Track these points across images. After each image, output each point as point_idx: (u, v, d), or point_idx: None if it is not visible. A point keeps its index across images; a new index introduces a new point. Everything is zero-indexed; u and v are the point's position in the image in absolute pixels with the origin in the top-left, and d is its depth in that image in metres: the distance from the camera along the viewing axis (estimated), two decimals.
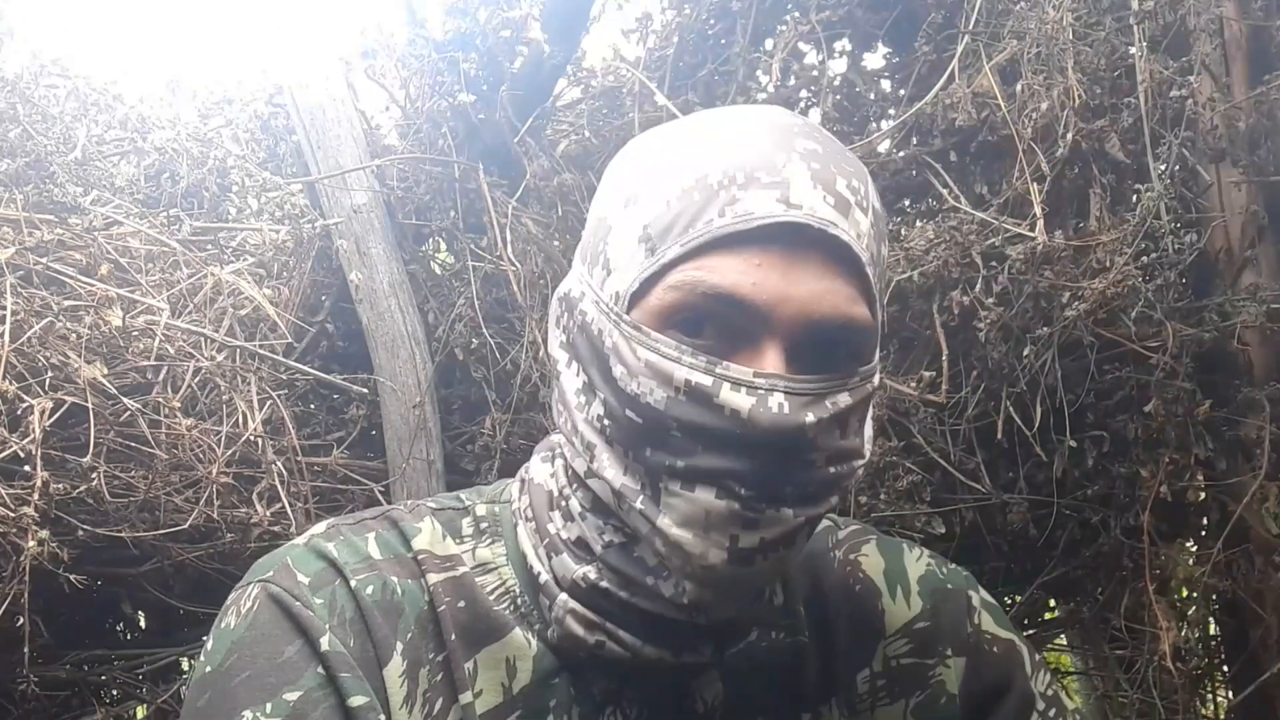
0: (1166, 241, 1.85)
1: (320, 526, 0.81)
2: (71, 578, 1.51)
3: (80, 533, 1.57)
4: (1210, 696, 2.07)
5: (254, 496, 1.70)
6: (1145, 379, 1.86)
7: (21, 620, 1.46)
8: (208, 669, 0.74)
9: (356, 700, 0.72)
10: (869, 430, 0.77)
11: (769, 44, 2.13)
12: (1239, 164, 1.91)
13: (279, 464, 1.71)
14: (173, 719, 1.82)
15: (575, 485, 0.78)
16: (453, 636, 0.76)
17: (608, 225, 0.76)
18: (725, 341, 0.70)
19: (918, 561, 0.90)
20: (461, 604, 0.78)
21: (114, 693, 1.87)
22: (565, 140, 2.12)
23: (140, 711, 1.87)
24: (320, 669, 0.72)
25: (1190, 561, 1.92)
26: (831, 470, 0.72)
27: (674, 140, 0.76)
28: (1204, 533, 2.02)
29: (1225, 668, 2.06)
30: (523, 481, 0.84)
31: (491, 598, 0.78)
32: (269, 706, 0.70)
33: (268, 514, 1.67)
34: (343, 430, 1.92)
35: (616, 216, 0.75)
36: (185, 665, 1.94)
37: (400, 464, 1.83)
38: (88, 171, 1.91)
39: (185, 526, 1.63)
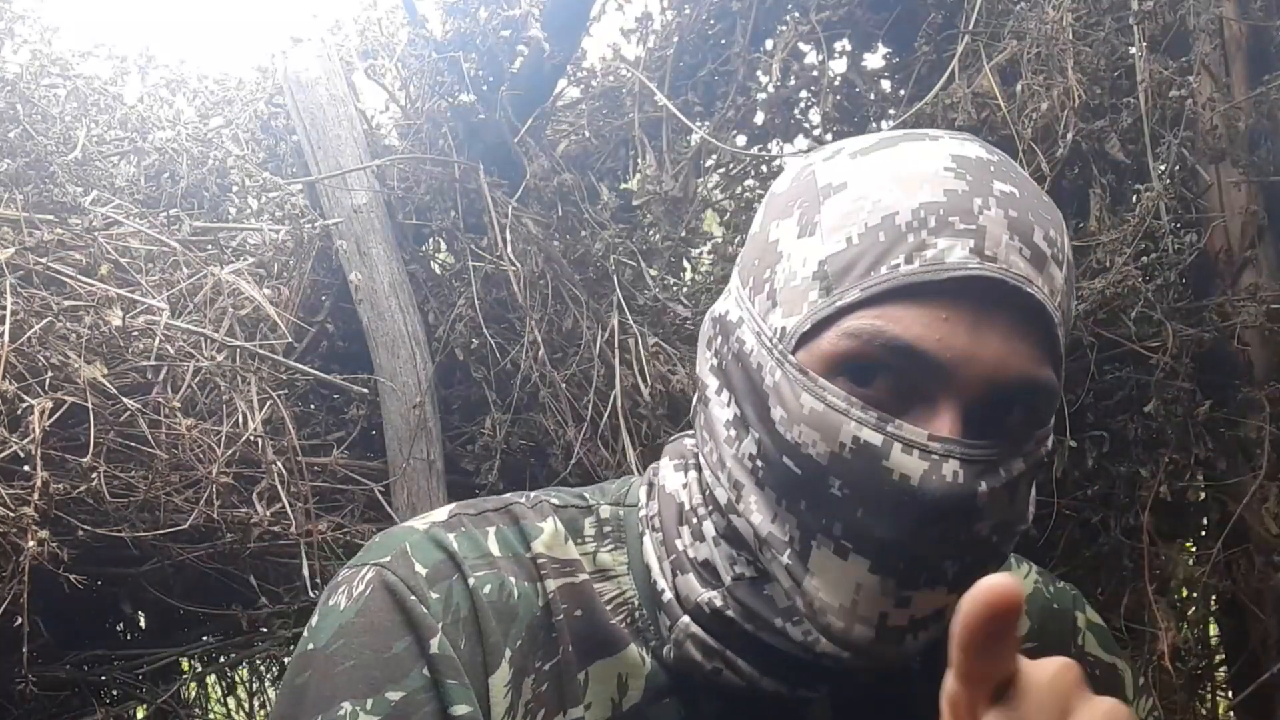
0: (1166, 241, 1.85)
1: (441, 513, 0.77)
2: (71, 578, 1.51)
3: (80, 533, 1.57)
4: (1210, 697, 2.07)
5: (254, 496, 1.70)
6: (1145, 379, 1.86)
7: (21, 620, 1.46)
8: (310, 646, 0.71)
9: (460, 710, 0.68)
10: (1033, 493, 0.72)
11: (769, 44, 2.13)
12: (1239, 164, 1.91)
13: (279, 464, 1.71)
14: (172, 719, 1.82)
15: (712, 508, 0.74)
16: (569, 647, 0.73)
17: (777, 253, 0.70)
18: (898, 397, 0.65)
19: (1026, 578, 0.86)
20: (579, 613, 0.74)
21: (114, 693, 1.87)
22: (565, 140, 2.12)
23: (140, 711, 1.87)
24: (426, 670, 0.69)
25: (1190, 562, 1.92)
26: (995, 539, 0.67)
27: (859, 168, 0.69)
28: (1204, 533, 2.02)
29: (1225, 668, 2.06)
30: (651, 486, 0.80)
31: (609, 608, 0.75)
32: (369, 703, 0.68)
33: (268, 514, 1.67)
34: (343, 430, 1.92)
35: (788, 245, 0.70)
36: (185, 665, 1.94)
37: (400, 464, 1.83)
38: (88, 171, 1.91)
39: (185, 526, 1.63)
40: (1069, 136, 1.86)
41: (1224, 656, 2.07)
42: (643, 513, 0.78)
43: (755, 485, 0.69)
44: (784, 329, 0.68)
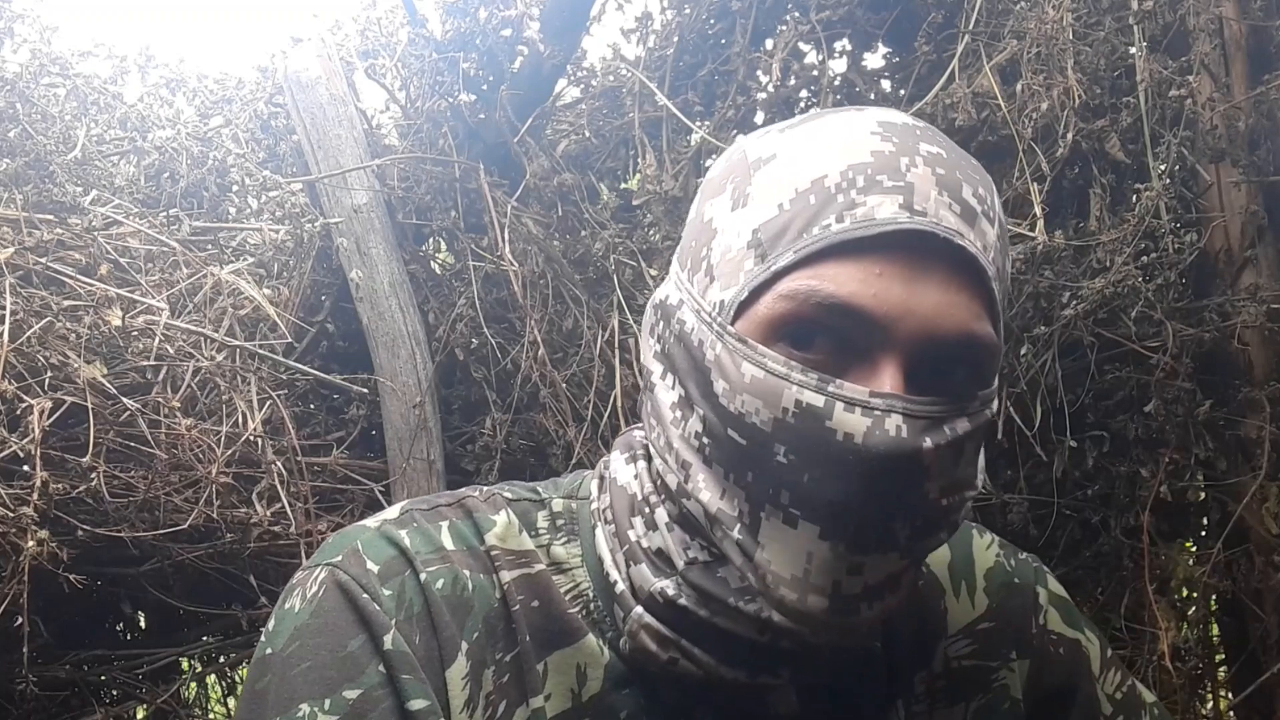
0: (1166, 241, 1.85)
1: (393, 511, 0.77)
2: (71, 578, 1.51)
3: (80, 533, 1.57)
4: (1210, 696, 2.07)
5: (254, 496, 1.70)
6: (1145, 379, 1.86)
7: (21, 620, 1.46)
8: (268, 650, 0.71)
9: (416, 704, 0.69)
10: (981, 459, 0.71)
11: (769, 44, 2.13)
12: (1239, 164, 1.91)
13: (279, 464, 1.71)
14: (172, 719, 1.82)
15: (663, 495, 0.74)
16: (527, 637, 0.73)
17: (712, 229, 0.71)
18: (838, 357, 0.65)
19: (986, 550, 0.86)
20: (535, 603, 0.74)
21: (114, 693, 1.87)
22: (565, 140, 2.12)
23: (140, 711, 1.87)
24: (382, 667, 0.69)
25: (1190, 561, 1.92)
26: (944, 502, 0.67)
27: (787, 140, 0.70)
28: (1204, 533, 2.02)
29: (1225, 668, 2.06)
30: (602, 479, 0.79)
31: (565, 599, 0.75)
32: (327, 703, 0.68)
33: (267, 514, 1.67)
34: (343, 430, 1.92)
35: (723, 220, 0.70)
36: (185, 665, 1.94)
37: (400, 464, 1.83)
38: (87, 171, 1.91)
39: (185, 526, 1.63)
40: (1069, 136, 1.86)
41: (1224, 656, 2.07)
42: (594, 505, 0.78)
43: (703, 463, 0.69)
44: (722, 301, 0.68)
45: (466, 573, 0.74)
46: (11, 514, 1.45)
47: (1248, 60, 1.96)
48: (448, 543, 0.75)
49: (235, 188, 2.10)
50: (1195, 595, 1.95)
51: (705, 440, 0.69)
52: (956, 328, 0.65)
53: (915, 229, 0.64)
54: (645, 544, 0.74)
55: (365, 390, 1.90)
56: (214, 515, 1.63)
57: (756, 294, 0.67)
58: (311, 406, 1.95)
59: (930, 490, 0.65)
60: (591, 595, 0.76)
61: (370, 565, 0.72)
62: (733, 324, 0.68)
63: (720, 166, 0.74)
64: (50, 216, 1.69)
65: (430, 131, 2.00)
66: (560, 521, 0.78)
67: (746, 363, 0.66)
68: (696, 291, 0.71)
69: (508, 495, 0.79)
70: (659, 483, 0.74)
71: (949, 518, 0.68)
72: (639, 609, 0.73)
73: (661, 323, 0.74)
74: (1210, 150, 1.92)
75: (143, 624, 1.97)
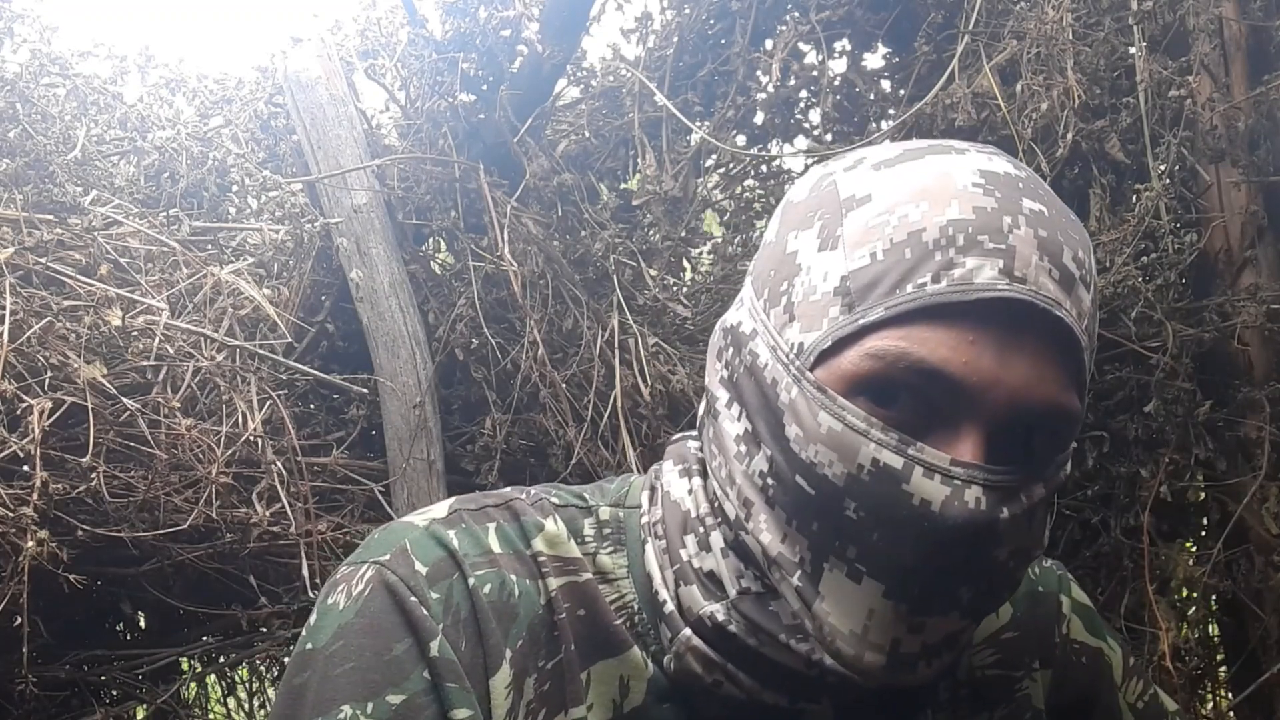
0: (1166, 241, 1.85)
1: (440, 509, 0.76)
2: (71, 578, 1.51)
3: (80, 533, 1.57)
4: (1210, 696, 2.07)
5: (254, 496, 1.70)
6: (1145, 379, 1.86)
7: (21, 620, 1.46)
8: (309, 645, 0.70)
9: (460, 713, 0.67)
10: (1050, 518, 0.71)
11: (769, 44, 2.13)
12: (1238, 164, 1.91)
13: (279, 464, 1.71)
14: (172, 719, 1.82)
15: (720, 519, 0.72)
16: (571, 646, 0.72)
17: (796, 265, 0.68)
18: (920, 418, 0.64)
19: None
20: (582, 612, 0.73)
21: (113, 693, 1.87)
22: (565, 140, 2.12)
23: (140, 712, 1.87)
24: (427, 674, 0.68)
25: (1190, 562, 1.92)
26: (1011, 565, 0.66)
27: (884, 181, 0.67)
28: (1204, 533, 2.02)
29: (1225, 668, 2.06)
30: (654, 490, 0.78)
31: (611, 610, 0.74)
32: (370, 706, 0.67)
33: (267, 514, 1.67)
34: (343, 430, 1.92)
35: (808, 257, 0.68)
36: (185, 665, 1.94)
37: (400, 464, 1.83)
38: (87, 171, 1.91)
39: (185, 526, 1.63)
40: (1069, 136, 1.86)
41: (1224, 656, 2.07)
42: (645, 519, 0.77)
43: (765, 504, 0.68)
44: (802, 344, 0.66)
45: (513, 577, 0.73)
46: (11, 514, 1.45)
47: (1247, 60, 1.96)
48: (495, 545, 0.74)
49: (235, 188, 2.11)
50: (1195, 595, 1.95)
51: (770, 482, 0.67)
52: (1043, 400, 0.64)
53: (1014, 297, 0.62)
54: (697, 564, 0.72)
55: (365, 390, 1.90)
56: (214, 515, 1.63)
57: (841, 345, 0.65)
58: (311, 406, 1.95)
59: (1000, 555, 0.65)
60: (636, 608, 0.74)
61: (419, 566, 0.71)
62: (811, 369, 0.66)
63: (805, 192, 0.72)
64: (50, 216, 1.69)
65: (430, 131, 2.00)
66: (607, 530, 0.77)
67: (824, 413, 0.64)
68: (774, 326, 0.69)
69: (555, 501, 0.78)
70: (715, 505, 0.73)
71: (1014, 578, 0.68)
72: (687, 631, 0.71)
73: (731, 349, 0.72)
74: (1210, 150, 1.92)
75: (143, 624, 1.96)
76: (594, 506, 0.78)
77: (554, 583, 0.74)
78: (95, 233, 1.70)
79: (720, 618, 0.70)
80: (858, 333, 0.64)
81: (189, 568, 1.73)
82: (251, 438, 1.68)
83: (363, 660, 0.68)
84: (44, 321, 1.55)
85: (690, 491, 0.75)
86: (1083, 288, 0.65)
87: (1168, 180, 1.88)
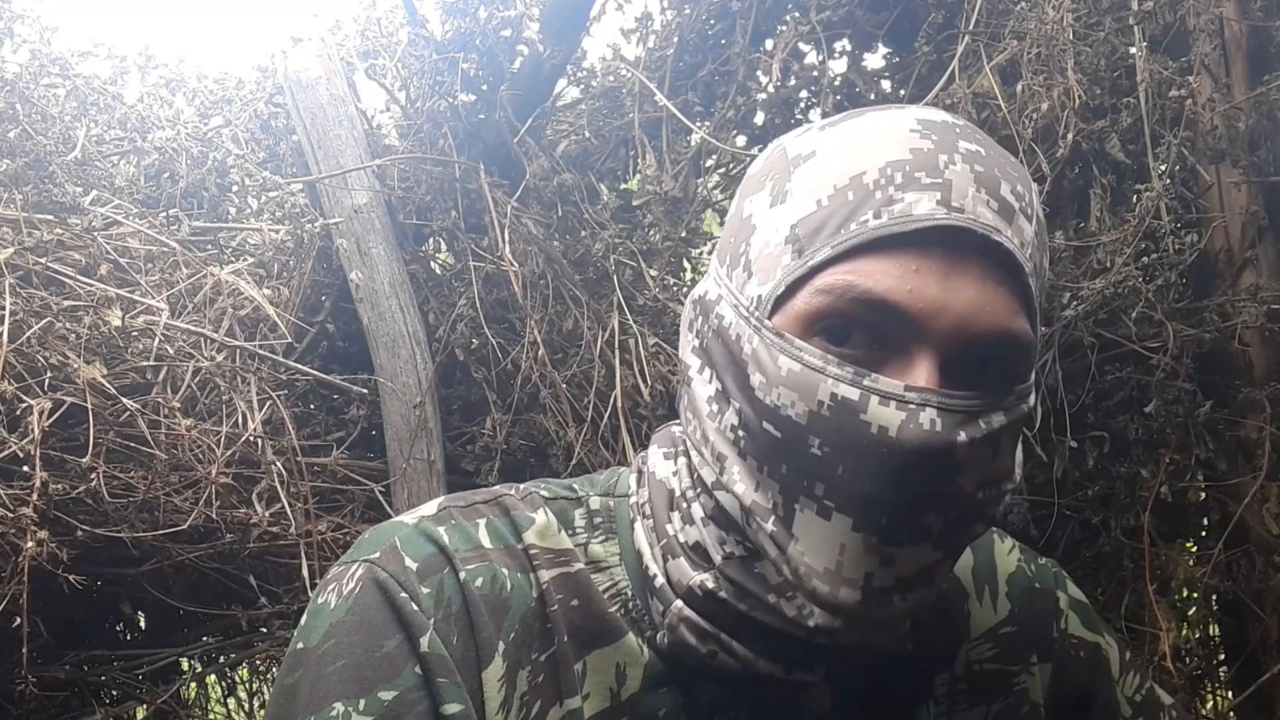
0: (1167, 242, 1.85)
1: (430, 507, 0.77)
2: (71, 578, 1.51)
3: (79, 533, 1.57)
4: (1210, 697, 2.07)
5: (254, 497, 1.70)
6: (1146, 379, 1.86)
7: (20, 621, 1.46)
8: (301, 645, 0.71)
9: (452, 708, 0.68)
10: (1020, 453, 0.72)
11: (769, 44, 2.13)
12: (1239, 164, 1.91)
13: (279, 464, 1.71)
14: (172, 719, 1.82)
15: (699, 490, 0.74)
16: (565, 637, 0.73)
17: (751, 225, 0.72)
18: (874, 352, 0.66)
19: (1008, 555, 0.86)
20: (575, 603, 0.74)
21: (113, 693, 1.86)
22: (565, 140, 2.12)
23: (140, 712, 1.87)
24: (418, 669, 0.68)
25: (1190, 562, 1.92)
26: (980, 496, 0.67)
27: (827, 137, 0.71)
28: (1204, 533, 2.02)
29: (1225, 668, 2.06)
30: (640, 473, 0.80)
31: (605, 598, 0.75)
32: (362, 703, 0.67)
33: (267, 514, 1.67)
34: (343, 430, 1.92)
35: (761, 216, 0.71)
36: (185, 665, 1.94)
37: (400, 464, 1.83)
38: (87, 171, 1.91)
39: (185, 527, 1.63)
40: (1069, 137, 1.86)
41: (1224, 657, 2.07)
42: (633, 500, 0.78)
43: (738, 456, 0.69)
44: (759, 296, 0.69)
45: (505, 571, 0.74)
46: (11, 514, 1.45)
47: (1248, 60, 1.96)
48: (486, 540, 0.75)
49: (235, 188, 2.11)
50: (1195, 595, 1.95)
51: (740, 433, 0.69)
52: (992, 324, 0.65)
53: (952, 225, 0.65)
54: (683, 538, 0.74)
55: (365, 390, 1.90)
56: (214, 516, 1.63)
57: (793, 289, 0.67)
58: (311, 407, 1.95)
59: (964, 484, 0.66)
60: (630, 594, 0.75)
61: (409, 562, 0.72)
62: (770, 318, 0.68)
63: (760, 164, 0.75)
64: (50, 217, 1.69)
65: (430, 132, 2.00)
66: (598, 519, 0.78)
67: (783, 356, 0.67)
68: (735, 287, 0.71)
69: (544, 494, 0.79)
70: (696, 477, 0.74)
71: (985, 511, 0.68)
72: (679, 603, 0.72)
73: (700, 318, 0.74)
74: (1210, 151, 1.92)
75: (143, 624, 1.96)
76: (584, 497, 0.80)
77: (546, 575, 0.74)
78: (95, 233, 1.70)
79: (710, 585, 0.71)
80: (807, 274, 0.67)
81: (189, 568, 1.73)
82: (251, 438, 1.68)
83: (354, 657, 0.69)
84: (44, 322, 1.55)
85: (675, 472, 0.77)
86: (1023, 218, 0.67)
87: (1168, 180, 1.87)
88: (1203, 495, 1.95)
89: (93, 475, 1.54)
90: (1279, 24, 1.97)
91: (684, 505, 0.75)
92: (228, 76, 2.25)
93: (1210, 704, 2.07)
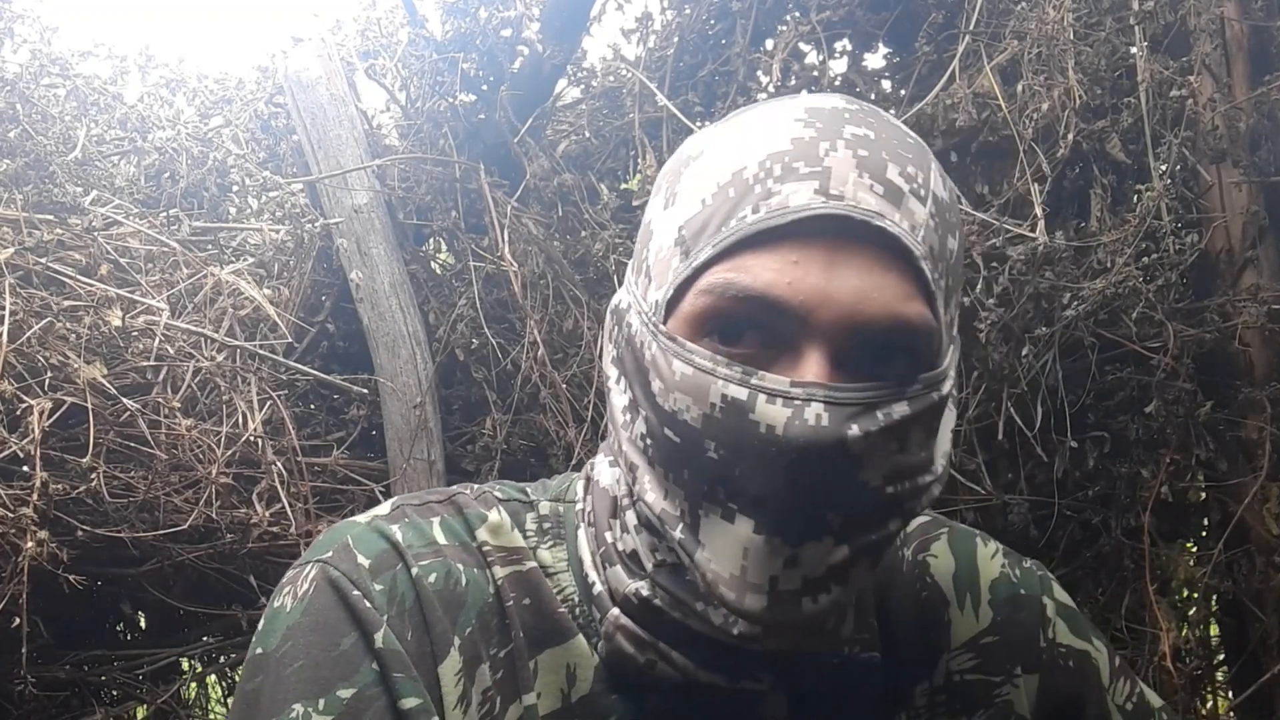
0: (1167, 242, 1.85)
1: (384, 506, 0.77)
2: (71, 578, 1.51)
3: (80, 533, 1.57)
4: (1210, 697, 2.07)
5: (254, 497, 1.70)
6: (1146, 380, 1.86)
7: (20, 621, 1.46)
8: (259, 650, 0.70)
9: (409, 702, 0.68)
10: (944, 444, 0.69)
11: (769, 44, 2.13)
12: (1239, 164, 1.91)
13: (279, 464, 1.71)
14: (172, 719, 1.82)
15: (632, 498, 0.73)
16: (520, 634, 0.73)
17: (649, 231, 0.71)
18: (766, 350, 0.64)
19: (991, 560, 0.83)
20: (527, 601, 0.74)
21: (114, 693, 1.87)
22: (565, 140, 2.12)
23: (140, 712, 1.87)
24: (375, 665, 0.69)
25: (1191, 562, 1.92)
26: (890, 490, 0.65)
27: (715, 135, 0.70)
28: (1205, 533, 2.02)
29: (1225, 668, 2.05)
30: (588, 480, 0.79)
31: (555, 598, 0.75)
32: (321, 703, 0.67)
33: (267, 514, 1.67)
34: (343, 430, 1.92)
35: (657, 221, 0.70)
36: (185, 665, 1.94)
37: (401, 464, 1.83)
38: (87, 171, 1.91)
39: (185, 527, 1.63)
40: (1070, 137, 1.86)
41: (1224, 657, 2.06)
42: (579, 506, 0.78)
43: (647, 464, 0.69)
44: (657, 301, 0.68)
45: (460, 566, 0.74)
46: (11, 514, 1.45)
47: (1249, 60, 1.96)
48: (440, 537, 0.75)
49: (235, 188, 2.11)
50: (1196, 596, 1.95)
51: (648, 441, 0.68)
52: (882, 311, 0.63)
53: (830, 214, 0.63)
54: (621, 546, 0.73)
55: (365, 391, 1.90)
56: (214, 516, 1.63)
57: (681, 291, 0.66)
58: (312, 407, 1.95)
59: (869, 478, 0.64)
60: (577, 600, 0.75)
61: (361, 560, 0.72)
62: (665, 323, 0.67)
63: (662, 170, 0.74)
64: (50, 217, 1.69)
65: (430, 132, 2.00)
66: (547, 525, 0.78)
67: (677, 360, 0.66)
68: (639, 294, 0.71)
69: (498, 495, 0.79)
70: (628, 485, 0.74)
71: (900, 506, 0.66)
72: (615, 610, 0.72)
73: (615, 328, 0.73)
74: (1211, 151, 1.92)
75: (143, 624, 1.97)
76: (535, 501, 0.79)
77: (500, 571, 0.74)
78: (95, 233, 1.70)
79: (645, 592, 0.71)
80: (692, 275, 0.66)
81: (189, 568, 1.73)
82: (251, 438, 1.68)
83: (311, 657, 0.69)
84: (44, 322, 1.55)
85: (618, 479, 0.76)
86: (915, 200, 0.65)
87: (1169, 180, 1.87)
88: (1203, 495, 1.95)
89: (93, 475, 1.54)
90: (1279, 24, 1.96)
91: (623, 514, 0.74)
92: (228, 76, 2.25)
93: (1210, 704, 2.07)
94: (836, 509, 0.64)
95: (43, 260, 1.63)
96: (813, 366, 0.63)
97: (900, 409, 0.64)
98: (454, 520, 0.76)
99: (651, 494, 0.68)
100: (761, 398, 0.63)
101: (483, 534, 0.76)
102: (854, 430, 0.62)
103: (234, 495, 1.69)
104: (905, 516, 0.68)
